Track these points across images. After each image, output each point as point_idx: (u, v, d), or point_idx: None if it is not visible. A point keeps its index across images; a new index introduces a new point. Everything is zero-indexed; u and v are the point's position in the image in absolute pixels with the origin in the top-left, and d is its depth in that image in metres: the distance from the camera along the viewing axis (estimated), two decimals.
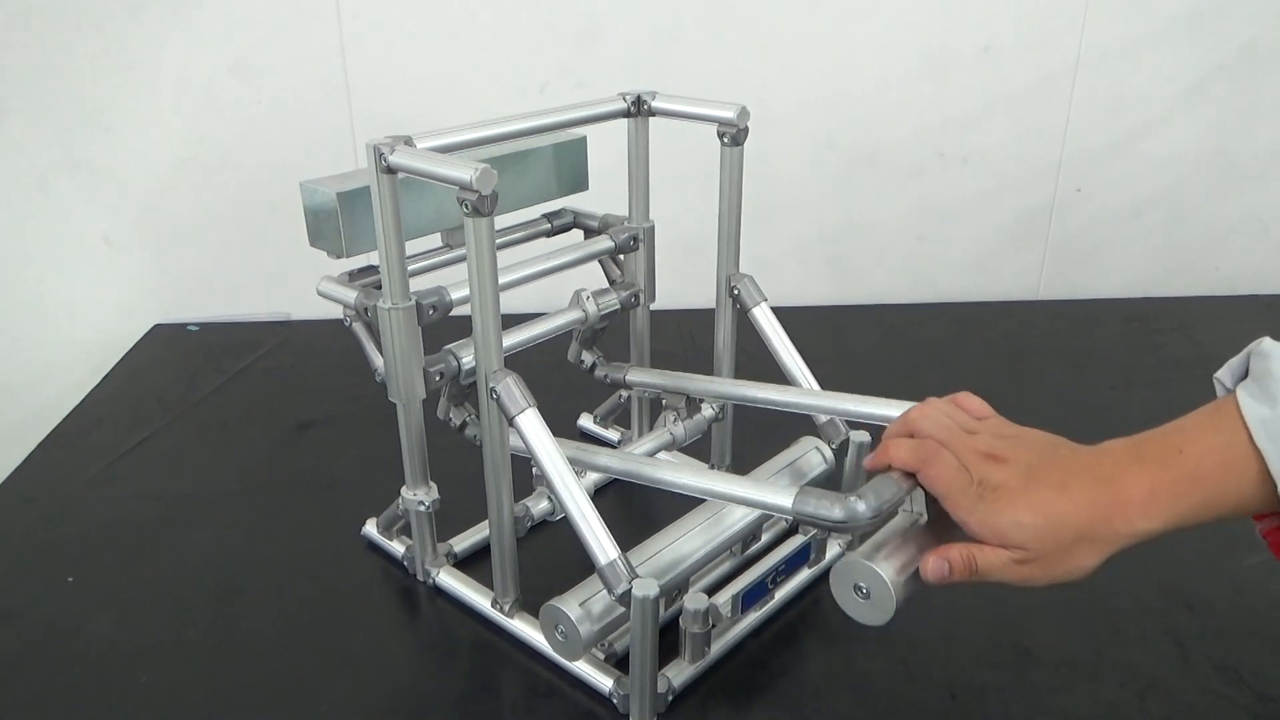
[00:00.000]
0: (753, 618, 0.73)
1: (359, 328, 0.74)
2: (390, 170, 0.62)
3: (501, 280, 0.66)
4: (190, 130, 1.22)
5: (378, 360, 0.73)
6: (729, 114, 0.74)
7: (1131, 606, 0.75)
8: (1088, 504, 0.51)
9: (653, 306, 0.87)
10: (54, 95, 1.18)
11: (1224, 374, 0.54)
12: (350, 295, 0.72)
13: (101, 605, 0.77)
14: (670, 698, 0.66)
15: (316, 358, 1.20)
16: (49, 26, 1.15)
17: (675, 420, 0.85)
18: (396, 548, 0.81)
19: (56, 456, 1.00)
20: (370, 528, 0.84)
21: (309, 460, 0.98)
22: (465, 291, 0.69)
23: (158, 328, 1.31)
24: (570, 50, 1.21)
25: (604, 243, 0.82)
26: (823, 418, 0.79)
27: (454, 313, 0.72)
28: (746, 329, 0.81)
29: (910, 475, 0.56)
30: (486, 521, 0.72)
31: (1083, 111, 1.28)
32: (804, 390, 0.79)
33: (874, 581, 0.54)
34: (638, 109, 0.78)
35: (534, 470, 0.79)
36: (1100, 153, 1.31)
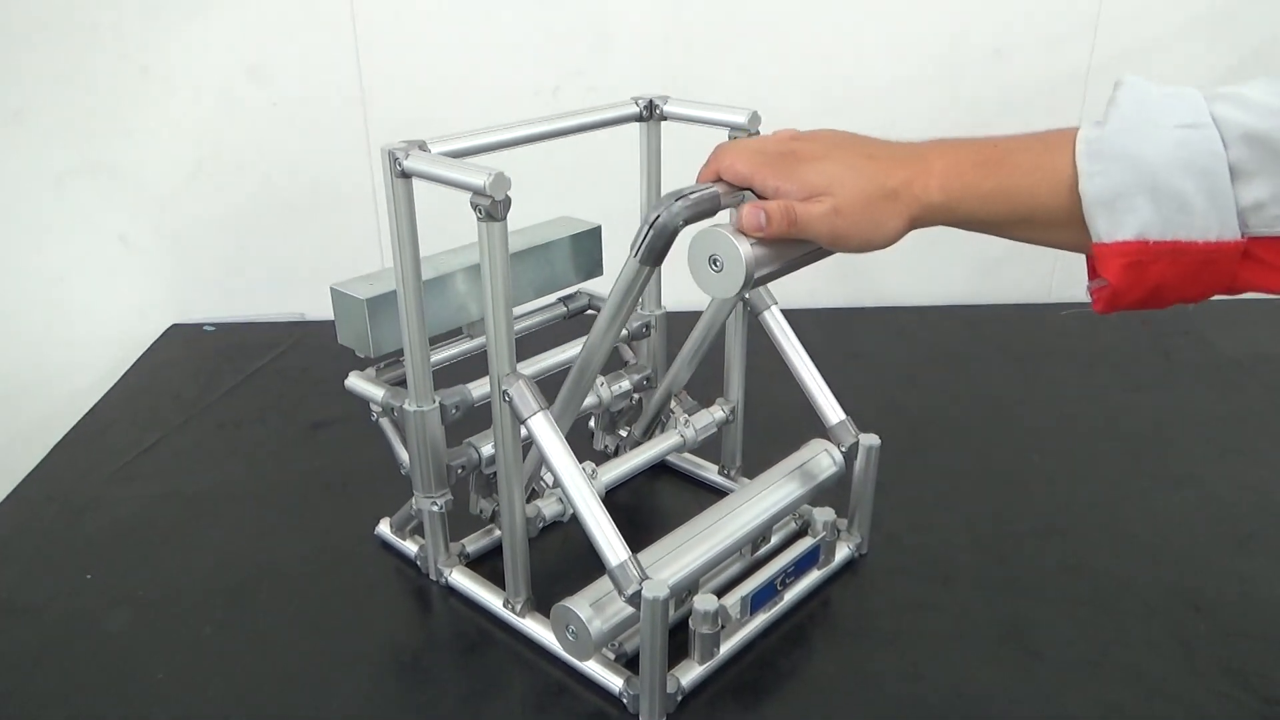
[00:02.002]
0: (762, 619, 0.73)
1: (385, 423, 0.78)
2: (405, 175, 0.63)
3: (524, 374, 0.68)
4: (206, 132, 1.23)
5: (403, 455, 0.76)
6: (740, 118, 0.74)
7: (1138, 607, 0.75)
8: (893, 166, 0.54)
9: (666, 309, 0.88)
10: (71, 98, 1.19)
11: None
12: (378, 393, 0.75)
13: (119, 601, 0.78)
14: (680, 698, 0.67)
15: (331, 358, 1.19)
16: (66, 30, 1.16)
17: (685, 422, 0.86)
18: (409, 547, 0.82)
19: (74, 455, 1.01)
20: (384, 527, 0.85)
21: (323, 460, 0.99)
22: (486, 389, 0.72)
23: (174, 328, 1.32)
24: (582, 54, 1.21)
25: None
26: (833, 420, 0.79)
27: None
28: (758, 332, 0.82)
29: (720, 182, 0.58)
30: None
31: (1096, 114, 1.27)
32: None
33: (724, 246, 0.54)
34: (649, 113, 0.78)
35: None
36: None
